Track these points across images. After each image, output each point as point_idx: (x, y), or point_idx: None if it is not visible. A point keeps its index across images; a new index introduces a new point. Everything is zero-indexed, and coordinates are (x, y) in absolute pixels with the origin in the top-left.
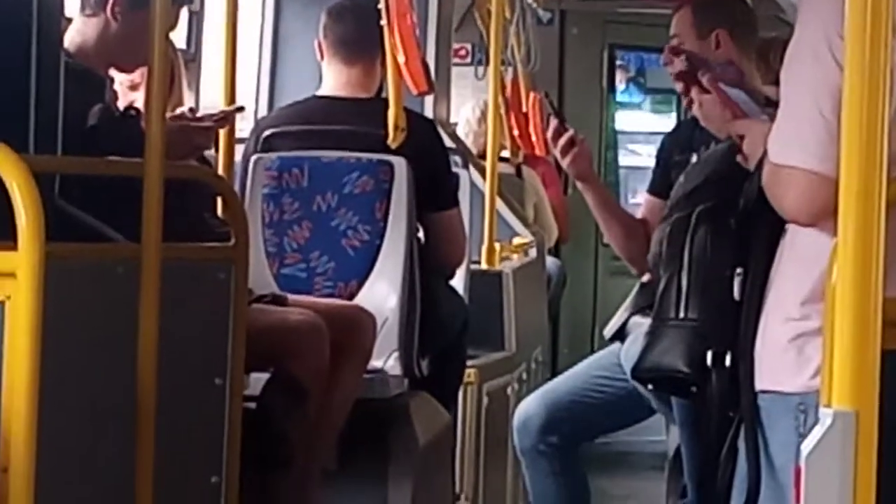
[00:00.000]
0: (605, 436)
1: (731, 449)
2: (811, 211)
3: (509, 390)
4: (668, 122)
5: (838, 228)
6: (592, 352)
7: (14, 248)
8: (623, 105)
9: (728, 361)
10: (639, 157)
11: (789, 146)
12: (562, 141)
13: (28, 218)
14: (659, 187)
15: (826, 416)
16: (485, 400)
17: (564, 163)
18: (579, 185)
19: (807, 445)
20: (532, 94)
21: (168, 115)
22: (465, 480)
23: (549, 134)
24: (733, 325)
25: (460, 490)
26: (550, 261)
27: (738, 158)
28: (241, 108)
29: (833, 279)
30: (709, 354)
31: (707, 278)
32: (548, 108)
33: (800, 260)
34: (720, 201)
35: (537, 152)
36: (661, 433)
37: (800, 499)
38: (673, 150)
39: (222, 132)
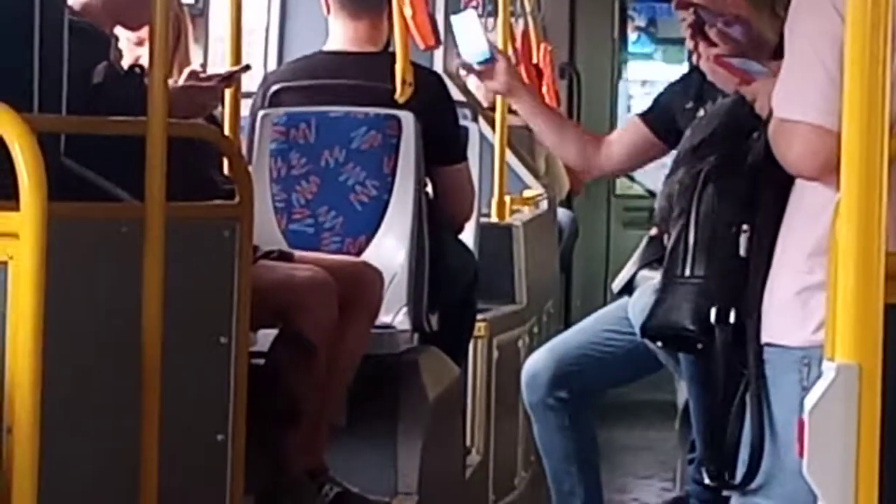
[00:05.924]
0: (614, 389)
1: (739, 405)
2: (815, 165)
3: (520, 343)
4: (679, 72)
5: (841, 183)
6: (605, 303)
7: (17, 208)
8: (634, 56)
9: (732, 318)
10: None
11: (793, 100)
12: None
13: (30, 178)
14: (654, 121)
15: (829, 369)
16: (495, 353)
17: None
18: (510, 100)
19: (810, 399)
20: (543, 46)
21: (175, 74)
22: (475, 434)
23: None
24: (738, 282)
25: (471, 444)
26: (562, 212)
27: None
28: (247, 67)
29: (836, 234)
30: (713, 311)
31: (713, 236)
32: None
33: (805, 214)
34: (727, 157)
35: (548, 103)
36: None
37: (803, 452)
38: (686, 93)
39: (228, 90)
